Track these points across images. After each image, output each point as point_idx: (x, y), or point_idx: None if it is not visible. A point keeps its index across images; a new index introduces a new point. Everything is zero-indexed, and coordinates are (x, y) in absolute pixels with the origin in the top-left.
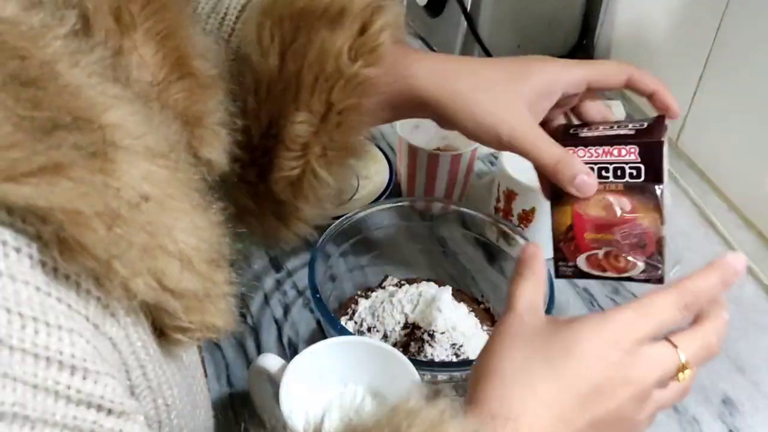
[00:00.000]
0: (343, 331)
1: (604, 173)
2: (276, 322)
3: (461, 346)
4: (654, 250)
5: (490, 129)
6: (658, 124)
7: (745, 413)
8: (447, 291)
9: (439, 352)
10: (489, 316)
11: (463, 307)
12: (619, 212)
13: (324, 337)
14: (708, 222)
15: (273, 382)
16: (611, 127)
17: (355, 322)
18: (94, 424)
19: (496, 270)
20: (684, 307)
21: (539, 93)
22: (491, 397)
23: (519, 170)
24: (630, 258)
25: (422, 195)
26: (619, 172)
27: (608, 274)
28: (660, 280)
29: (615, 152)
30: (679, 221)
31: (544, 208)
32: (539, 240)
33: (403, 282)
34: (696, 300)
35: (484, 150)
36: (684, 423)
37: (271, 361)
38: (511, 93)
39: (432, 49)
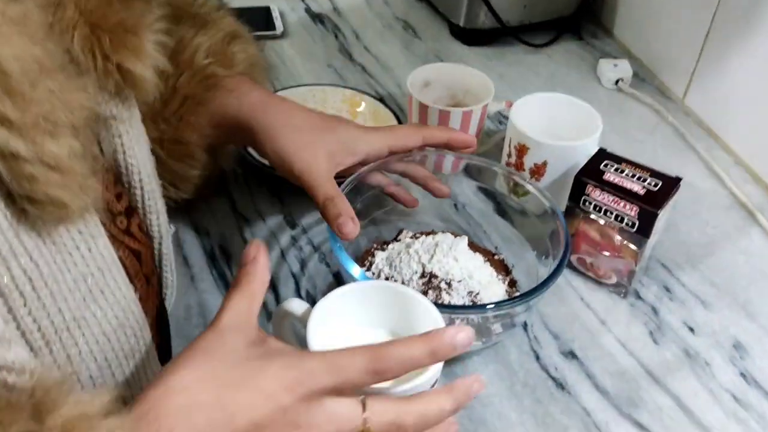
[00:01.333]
0: (364, 278)
1: (608, 213)
2: (293, 275)
3: (477, 293)
4: (625, 276)
5: (287, 162)
6: (669, 186)
7: (755, 356)
8: (463, 241)
9: (456, 300)
10: (503, 267)
11: (479, 257)
12: (609, 241)
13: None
14: (715, 176)
15: (297, 326)
16: (633, 176)
17: (373, 273)
18: None
19: (508, 222)
20: (373, 372)
21: (340, 147)
22: (149, 404)
23: (530, 125)
24: (608, 271)
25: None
26: (619, 219)
27: (589, 274)
28: (624, 296)
29: (621, 204)
30: (687, 174)
31: (555, 161)
32: (551, 191)
33: (418, 234)
34: (388, 367)
35: (493, 108)
36: (696, 367)
37: (296, 304)
38: (315, 139)
39: (438, 12)
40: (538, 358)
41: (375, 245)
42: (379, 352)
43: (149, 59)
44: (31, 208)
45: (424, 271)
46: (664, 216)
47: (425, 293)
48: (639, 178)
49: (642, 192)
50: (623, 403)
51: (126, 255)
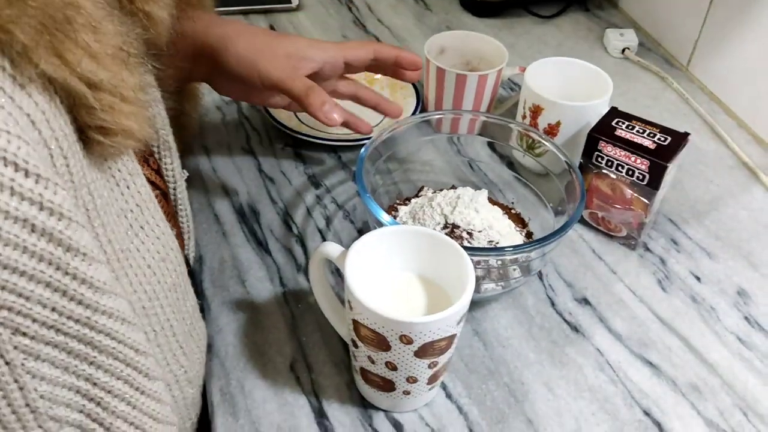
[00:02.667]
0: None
1: (619, 168)
2: (320, 231)
3: (497, 243)
4: (635, 228)
5: (251, 64)
6: (678, 141)
7: (758, 302)
8: (483, 194)
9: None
10: (521, 221)
11: (497, 210)
12: (620, 196)
13: None
14: (719, 138)
15: (332, 268)
16: (643, 132)
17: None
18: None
19: (523, 180)
20: None
21: (296, 51)
22: None
23: (543, 87)
24: (618, 225)
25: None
26: (630, 172)
27: (601, 228)
28: (633, 248)
29: (632, 159)
30: (692, 137)
31: (568, 121)
32: (566, 150)
33: (440, 190)
34: None
35: (507, 73)
36: (702, 311)
37: (331, 248)
38: (271, 41)
39: None
40: (553, 304)
41: (398, 200)
42: None
43: (165, 1)
44: (104, 139)
45: (446, 222)
46: (672, 170)
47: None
48: (649, 134)
49: (652, 146)
50: (634, 344)
51: (157, 195)
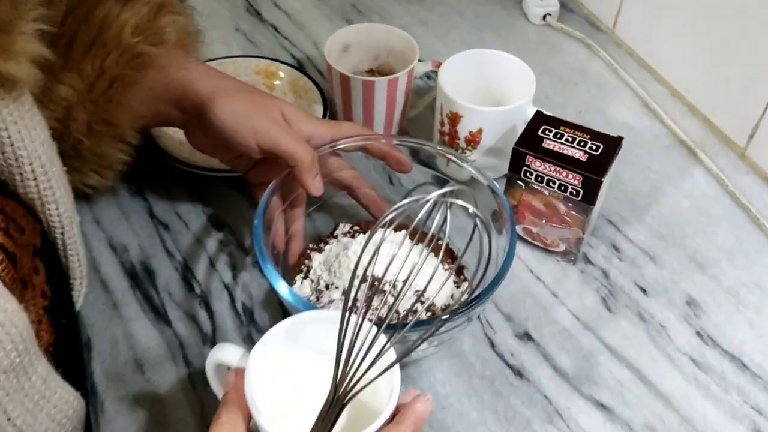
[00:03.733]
0: (298, 302)
1: (551, 184)
2: (226, 287)
3: (424, 292)
4: (573, 243)
5: (246, 119)
6: (611, 148)
7: (709, 312)
8: (401, 235)
9: (403, 302)
10: (448, 253)
11: (421, 249)
12: (555, 212)
13: (278, 297)
14: (652, 112)
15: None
16: (573, 141)
17: (312, 280)
18: None
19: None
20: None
21: (294, 118)
22: None
23: (460, 88)
24: (555, 240)
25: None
26: (562, 188)
27: (536, 243)
28: (573, 262)
29: (563, 173)
30: (623, 114)
31: (490, 127)
32: (488, 157)
33: (355, 229)
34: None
35: (420, 70)
36: (652, 331)
37: (227, 352)
38: (270, 104)
39: None
40: (493, 345)
41: (311, 245)
42: (410, 413)
43: (23, 55)
44: None
45: (365, 275)
46: (608, 180)
47: (370, 299)
48: (579, 143)
49: (584, 158)
50: (583, 383)
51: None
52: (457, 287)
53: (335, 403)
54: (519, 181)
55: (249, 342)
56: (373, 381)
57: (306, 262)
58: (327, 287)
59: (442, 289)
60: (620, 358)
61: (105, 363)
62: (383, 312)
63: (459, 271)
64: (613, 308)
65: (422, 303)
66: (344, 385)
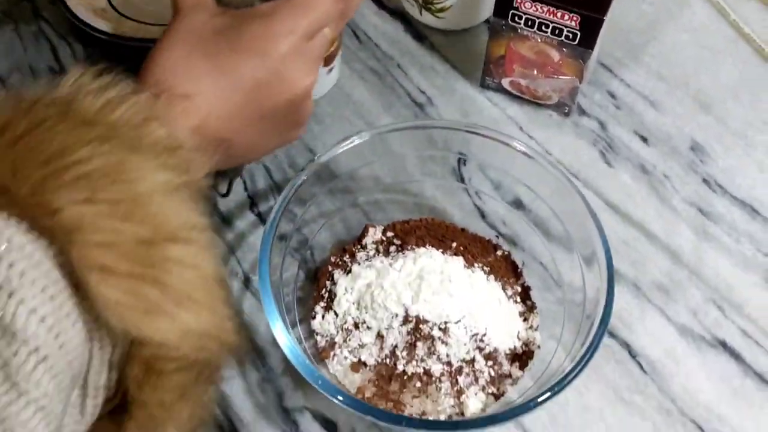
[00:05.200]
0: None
1: (543, 28)
2: None
3: (484, 335)
4: (567, 94)
5: None
6: None
7: (716, 157)
8: (457, 262)
9: (456, 349)
10: (511, 269)
11: (478, 276)
12: (547, 60)
13: None
14: None
15: None
16: None
17: (336, 314)
18: None
19: (426, 49)
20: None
21: None
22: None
23: None
24: (547, 92)
25: None
26: (557, 32)
27: (526, 96)
28: (567, 115)
29: (558, 15)
30: None
31: None
32: (468, 3)
33: (390, 237)
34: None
35: None
36: (655, 183)
37: None
38: None
39: None
40: (483, 216)
41: (333, 258)
42: None
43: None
44: None
45: (407, 316)
46: (607, 19)
47: (413, 345)
48: None
49: None
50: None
51: None
52: (525, 320)
53: None
54: (505, 27)
55: None
56: None
57: (327, 284)
58: (357, 326)
59: (506, 329)
60: (623, 216)
61: None
62: (429, 364)
63: (525, 294)
64: (613, 162)
65: (481, 350)
66: None
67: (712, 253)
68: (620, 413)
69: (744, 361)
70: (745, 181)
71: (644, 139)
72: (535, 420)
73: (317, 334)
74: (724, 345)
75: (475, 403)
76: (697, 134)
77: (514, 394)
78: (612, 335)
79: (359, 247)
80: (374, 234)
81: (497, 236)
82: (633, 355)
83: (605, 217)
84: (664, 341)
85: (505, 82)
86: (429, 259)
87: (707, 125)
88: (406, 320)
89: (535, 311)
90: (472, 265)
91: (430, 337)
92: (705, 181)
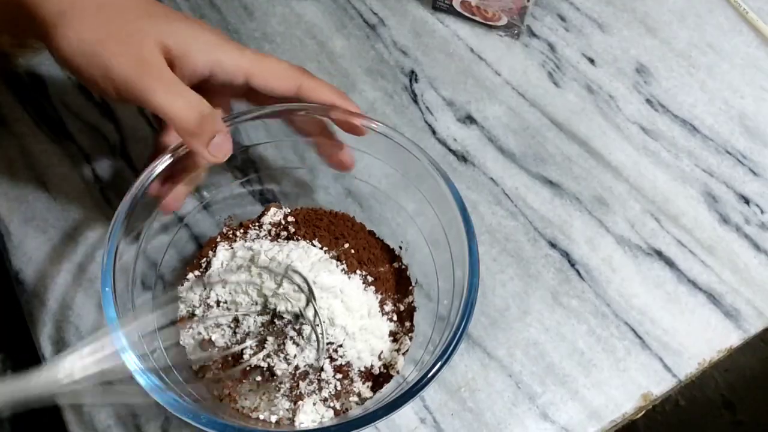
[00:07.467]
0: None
1: None
2: None
3: (340, 345)
4: (517, 14)
5: (100, 65)
6: None
7: (660, 78)
8: (334, 264)
9: (307, 353)
10: (386, 249)
11: (356, 284)
12: None
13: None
14: None
15: None
16: None
17: (204, 287)
18: None
19: None
20: None
21: (177, 45)
22: None
23: None
24: (497, 12)
25: None
26: None
27: (476, 18)
28: (517, 37)
29: None
30: None
31: None
32: None
33: (289, 222)
34: None
35: None
36: (600, 102)
37: None
38: (143, 25)
39: None
40: (434, 132)
41: (225, 231)
42: None
43: None
44: None
45: (266, 307)
46: None
47: (264, 339)
48: None
49: None
50: (530, 162)
51: None
52: (394, 341)
53: None
54: None
55: None
56: None
57: (210, 254)
58: (218, 304)
59: (369, 344)
60: (568, 133)
61: (3, 185)
62: (275, 361)
63: (402, 294)
64: (560, 82)
65: (332, 360)
66: None
67: (652, 168)
68: (558, 316)
69: (678, 269)
70: (687, 100)
71: (591, 61)
72: (475, 323)
73: (182, 301)
74: (659, 254)
75: (310, 413)
76: (642, 56)
77: (358, 413)
78: (553, 246)
79: (256, 225)
80: (274, 215)
81: (401, 247)
82: (572, 263)
83: (551, 135)
84: (602, 250)
85: (456, 3)
86: (303, 255)
87: (653, 47)
88: (263, 311)
89: (410, 335)
90: (354, 272)
91: (283, 335)
92: (648, 101)
